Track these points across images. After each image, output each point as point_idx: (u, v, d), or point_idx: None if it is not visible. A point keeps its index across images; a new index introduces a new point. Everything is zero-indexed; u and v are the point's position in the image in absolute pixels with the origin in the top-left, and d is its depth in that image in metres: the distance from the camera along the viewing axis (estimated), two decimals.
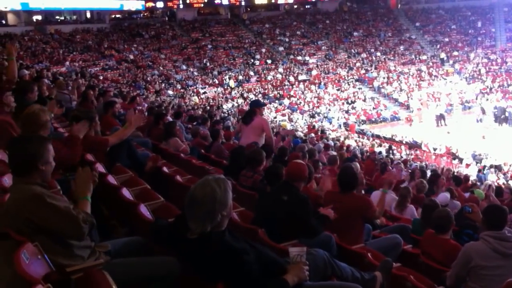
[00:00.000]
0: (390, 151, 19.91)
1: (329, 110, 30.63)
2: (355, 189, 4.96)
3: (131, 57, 33.19)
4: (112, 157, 5.12)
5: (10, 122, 4.64)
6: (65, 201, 2.82)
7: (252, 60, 35.56)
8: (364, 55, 37.60)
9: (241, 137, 8.03)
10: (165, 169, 5.41)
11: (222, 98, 29.88)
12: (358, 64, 36.56)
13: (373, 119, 30.31)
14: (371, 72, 35.57)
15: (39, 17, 37.22)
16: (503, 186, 13.03)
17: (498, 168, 18.81)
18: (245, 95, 31.06)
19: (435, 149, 22.93)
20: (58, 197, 2.83)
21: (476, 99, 31.86)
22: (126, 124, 5.45)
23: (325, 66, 36.14)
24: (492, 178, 16.50)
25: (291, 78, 34.25)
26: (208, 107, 21.11)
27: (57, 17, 38.80)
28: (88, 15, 39.69)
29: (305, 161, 6.82)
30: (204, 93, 30.67)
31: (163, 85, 30.29)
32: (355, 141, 22.10)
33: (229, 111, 22.75)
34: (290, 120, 26.54)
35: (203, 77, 32.92)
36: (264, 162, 5.82)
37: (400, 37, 40.39)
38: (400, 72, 35.69)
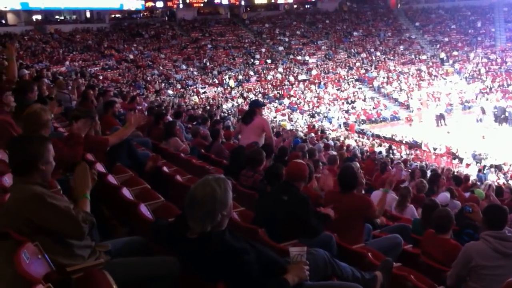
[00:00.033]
0: (390, 151, 19.91)
1: (329, 110, 30.64)
2: (355, 189, 4.95)
3: (131, 56, 33.19)
4: (112, 157, 5.12)
5: (10, 121, 4.64)
6: (65, 201, 2.82)
7: (252, 60, 35.56)
8: (364, 55, 37.61)
9: (241, 137, 8.03)
10: (165, 168, 5.41)
11: (222, 97, 29.87)
12: (358, 64, 36.57)
13: (373, 119, 30.32)
14: (371, 72, 35.57)
15: (39, 17, 37.21)
16: (503, 186, 13.04)
17: (498, 168, 18.81)
18: (245, 94, 31.06)
19: (435, 149, 22.94)
20: (59, 197, 2.82)
21: (476, 98, 31.88)
22: (126, 124, 5.45)
23: (325, 66, 36.14)
24: (492, 178, 16.50)
25: (291, 78, 34.26)
26: (208, 107, 21.11)
27: (57, 16, 38.79)
28: (88, 14, 39.68)
29: (305, 160, 6.82)
30: (204, 92, 30.68)
31: (163, 84, 30.30)
32: (355, 141, 22.10)
33: (229, 111, 22.74)
34: (290, 120, 26.54)
35: (203, 76, 32.92)
36: (264, 162, 5.82)
37: (400, 37, 40.41)
38: (400, 72, 35.71)
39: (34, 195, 2.67)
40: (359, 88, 33.76)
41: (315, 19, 42.47)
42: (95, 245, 2.90)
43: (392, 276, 3.61)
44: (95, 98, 9.16)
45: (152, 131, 8.06)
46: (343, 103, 31.72)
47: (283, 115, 28.01)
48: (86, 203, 2.92)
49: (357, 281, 3.26)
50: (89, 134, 4.87)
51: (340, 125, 28.08)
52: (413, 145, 23.69)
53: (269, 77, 33.99)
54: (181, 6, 40.07)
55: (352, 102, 31.88)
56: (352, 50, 38.26)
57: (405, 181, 10.06)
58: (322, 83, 33.92)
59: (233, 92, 31.52)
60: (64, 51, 31.55)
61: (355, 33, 40.47)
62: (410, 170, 11.98)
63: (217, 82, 32.48)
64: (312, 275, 2.93)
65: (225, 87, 32.06)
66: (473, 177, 15.27)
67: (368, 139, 24.19)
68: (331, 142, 15.87)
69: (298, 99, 31.84)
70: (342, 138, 21.11)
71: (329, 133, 22.03)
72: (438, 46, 39.20)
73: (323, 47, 38.59)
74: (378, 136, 25.51)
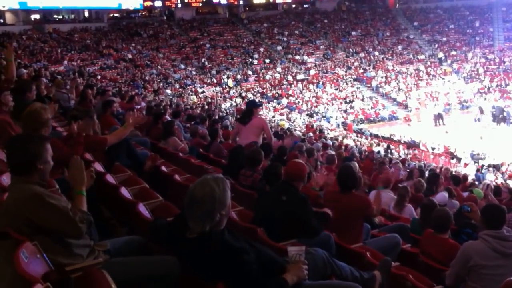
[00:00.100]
0: (388, 151, 19.94)
1: (327, 109, 30.65)
2: (355, 188, 4.96)
3: (130, 56, 33.16)
4: (111, 156, 5.12)
5: (9, 121, 4.64)
6: (64, 201, 2.82)
7: (250, 60, 35.56)
8: (362, 54, 37.63)
9: (240, 137, 8.03)
10: (164, 168, 5.41)
11: (221, 97, 29.86)
12: (356, 64, 36.58)
13: (371, 119, 30.35)
14: (369, 72, 35.60)
15: (37, 16, 37.14)
16: (501, 186, 13.06)
17: (496, 167, 18.86)
18: (243, 94, 31.06)
19: (433, 149, 22.98)
20: (57, 197, 2.83)
21: (474, 98, 31.93)
22: (125, 123, 5.45)
23: (324, 65, 36.15)
24: (490, 178, 16.55)
25: (290, 78, 34.26)
26: (207, 106, 21.11)
27: (55, 16, 38.75)
28: (86, 14, 39.62)
29: (303, 159, 6.83)
30: (203, 92, 30.66)
31: (161, 84, 30.28)
32: (353, 140, 22.12)
33: (228, 110, 22.74)
34: (289, 119, 26.55)
35: (201, 76, 32.91)
36: (263, 162, 5.82)
37: (398, 37, 40.44)
38: (398, 71, 35.74)
39: (34, 194, 2.67)
40: (357, 88, 33.78)
41: (313, 19, 42.48)
42: (94, 244, 2.90)
43: (391, 276, 3.61)
44: (94, 97, 9.15)
45: (151, 130, 8.06)
46: (341, 103, 31.74)
47: (282, 114, 28.02)
48: (82, 200, 2.92)
49: (356, 280, 3.26)
50: (88, 133, 4.88)
51: (338, 125, 28.09)
52: (411, 145, 23.74)
53: (267, 77, 33.98)
54: (179, 5, 40.03)
55: (351, 101, 31.91)
56: (351, 50, 38.28)
57: (403, 181, 10.06)
58: (320, 82, 33.93)
59: (231, 92, 31.52)
60: (63, 50, 31.52)
61: (353, 33, 40.49)
62: (408, 170, 11.99)
63: (215, 81, 32.47)
64: (311, 275, 2.94)
65: (224, 86, 32.06)
66: (471, 177, 15.30)
67: (367, 138, 24.22)
68: (329, 142, 15.88)
69: (296, 98, 31.86)
70: (340, 138, 21.12)
71: (328, 133, 22.05)
72: (436, 45, 39.25)
73: (321, 47, 38.60)
74: (376, 136, 25.54)
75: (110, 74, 29.75)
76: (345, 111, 30.77)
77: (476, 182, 13.88)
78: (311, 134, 17.06)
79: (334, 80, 34.50)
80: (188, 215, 2.63)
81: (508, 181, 16.21)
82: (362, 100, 32.28)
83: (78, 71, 23.16)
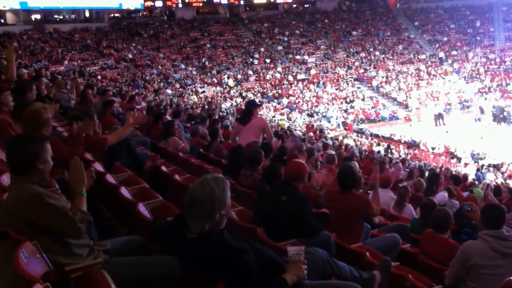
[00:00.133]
0: (389, 150, 19.93)
1: (328, 109, 30.65)
2: (355, 188, 4.96)
3: (130, 56, 33.16)
4: (111, 156, 5.13)
5: (9, 121, 4.65)
6: (63, 201, 2.82)
7: (251, 59, 35.55)
8: (363, 54, 37.61)
9: (240, 137, 8.02)
10: (164, 168, 5.41)
11: (221, 97, 29.85)
12: (357, 63, 36.57)
13: (372, 118, 30.35)
14: (370, 71, 35.58)
15: (38, 16, 37.13)
16: (501, 185, 13.06)
17: (496, 167, 18.85)
18: (244, 94, 31.06)
19: (433, 148, 22.97)
20: (57, 197, 2.83)
21: (475, 98, 31.91)
22: (125, 123, 5.45)
23: (324, 65, 36.15)
24: (490, 177, 16.54)
25: (290, 77, 34.26)
26: (207, 106, 21.11)
27: (56, 16, 38.73)
28: (87, 14, 39.61)
29: (304, 158, 6.83)
30: (203, 92, 30.66)
31: (161, 84, 30.28)
32: (354, 140, 22.12)
33: (228, 110, 22.74)
34: (289, 119, 26.55)
35: (202, 76, 32.91)
36: (263, 161, 5.83)
37: (399, 37, 40.42)
38: (399, 71, 35.72)
39: (33, 194, 2.67)
40: (358, 88, 33.78)
41: (314, 19, 42.47)
42: (94, 244, 2.90)
43: (390, 275, 3.61)
44: (94, 97, 9.16)
45: (151, 130, 8.06)
46: (342, 103, 31.74)
47: (282, 114, 28.03)
48: (82, 201, 2.92)
49: (356, 280, 3.26)
50: (88, 133, 4.88)
51: (338, 125, 28.10)
52: (412, 145, 23.73)
53: (268, 77, 33.98)
54: (180, 5, 40.01)
55: (351, 101, 31.91)
56: (351, 50, 38.27)
57: (403, 181, 10.06)
58: (321, 82, 33.93)
59: (232, 92, 31.52)
60: (63, 50, 31.51)
61: (354, 33, 40.47)
62: (408, 170, 11.99)
63: (216, 81, 32.47)
64: (311, 275, 2.94)
65: (224, 86, 32.06)
66: (471, 177, 15.29)
67: (367, 138, 24.21)
68: (329, 142, 15.89)
69: (297, 98, 31.86)
70: (340, 138, 21.13)
71: (328, 133, 22.05)
72: (437, 45, 39.24)
73: (322, 47, 38.60)
74: (376, 136, 25.54)
75: (111, 74, 29.74)
76: (346, 111, 30.78)
77: (476, 182, 13.88)
78: (311, 134, 17.08)
79: (335, 80, 34.49)
80: (188, 215, 2.64)
81: (508, 181, 16.21)
82: (363, 100, 32.28)
83: (78, 71, 23.20)
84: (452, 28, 41.63)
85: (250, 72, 34.13)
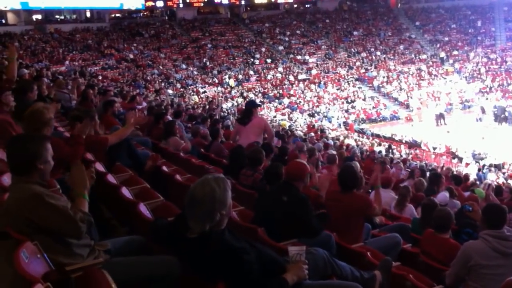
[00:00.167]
0: (390, 150, 19.92)
1: (329, 109, 30.64)
2: (356, 188, 4.96)
3: (131, 56, 33.17)
4: (112, 156, 5.13)
5: (10, 121, 4.65)
6: (64, 201, 2.82)
7: (252, 59, 35.55)
8: (364, 54, 37.61)
9: (240, 137, 8.01)
10: (164, 168, 5.41)
11: (222, 97, 29.85)
12: (358, 63, 36.57)
13: (373, 118, 30.33)
14: (371, 71, 35.57)
15: (39, 16, 37.18)
16: (502, 185, 13.03)
17: (497, 167, 18.81)
18: (244, 94, 31.06)
19: (434, 148, 22.95)
20: (57, 197, 2.83)
21: (476, 98, 31.89)
22: (126, 123, 5.45)
23: (325, 65, 36.14)
24: (491, 177, 16.51)
25: (291, 77, 34.26)
26: (208, 106, 21.11)
27: (57, 16, 38.78)
28: (88, 14, 39.66)
29: (304, 158, 6.83)
30: (204, 92, 30.67)
31: (162, 84, 30.29)
32: (355, 140, 22.11)
33: (229, 110, 22.74)
34: (290, 119, 26.53)
35: (202, 76, 32.91)
36: (264, 161, 5.82)
37: (400, 36, 40.40)
38: (400, 71, 35.71)
39: (34, 194, 2.68)
40: (359, 88, 33.77)
41: (315, 19, 42.47)
42: (95, 244, 2.90)
43: (391, 275, 3.61)
44: (95, 97, 9.16)
45: (152, 130, 8.06)
46: (343, 103, 31.73)
47: (283, 114, 28.01)
48: (84, 203, 2.91)
49: (356, 280, 3.26)
50: (89, 133, 4.88)
51: (340, 125, 28.08)
52: (413, 145, 23.71)
53: (269, 77, 33.98)
54: (181, 5, 40.05)
55: (352, 101, 31.89)
56: (352, 50, 38.26)
57: (404, 181, 10.06)
58: (322, 82, 33.92)
59: (233, 92, 31.53)
60: (64, 50, 31.53)
61: (355, 33, 40.46)
62: (409, 170, 11.98)
63: (217, 81, 32.47)
64: (312, 275, 2.94)
65: (225, 86, 32.07)
66: (472, 177, 15.28)
67: (368, 138, 24.20)
68: (330, 142, 15.88)
69: (298, 98, 31.85)
70: (341, 138, 21.12)
71: (329, 133, 22.03)
72: (438, 45, 39.21)
73: (323, 47, 38.59)
74: (377, 136, 25.53)
75: (112, 74, 29.76)
76: (347, 111, 30.77)
77: (478, 182, 13.86)
78: (312, 134, 17.07)
79: (336, 80, 34.49)
80: (188, 215, 2.64)
81: (509, 181, 16.17)
82: (364, 100, 32.27)
83: (79, 71, 23.22)
84: (453, 28, 41.61)
85: (251, 72, 34.14)
